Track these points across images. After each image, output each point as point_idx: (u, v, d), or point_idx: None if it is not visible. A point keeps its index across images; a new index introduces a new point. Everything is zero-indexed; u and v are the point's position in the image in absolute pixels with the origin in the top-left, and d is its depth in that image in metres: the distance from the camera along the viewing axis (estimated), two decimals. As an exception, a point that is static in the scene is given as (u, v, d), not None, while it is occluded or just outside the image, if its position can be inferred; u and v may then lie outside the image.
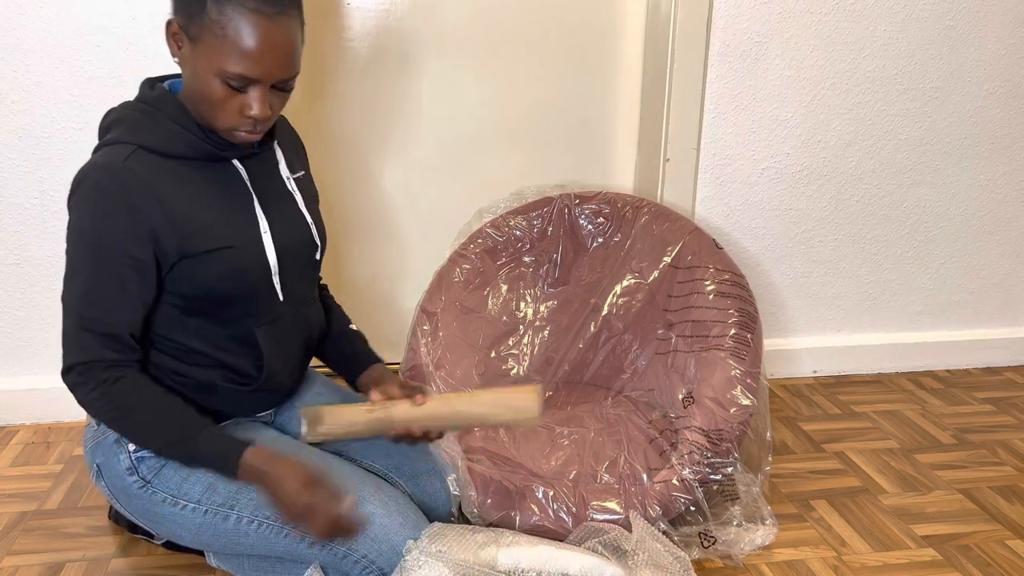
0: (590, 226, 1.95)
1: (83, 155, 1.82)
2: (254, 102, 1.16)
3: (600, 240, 1.95)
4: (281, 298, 1.31)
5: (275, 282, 1.29)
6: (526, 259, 1.96)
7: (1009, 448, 1.93)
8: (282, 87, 1.18)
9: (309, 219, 1.36)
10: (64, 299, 1.19)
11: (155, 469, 1.28)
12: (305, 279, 1.38)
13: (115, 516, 1.58)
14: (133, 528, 1.54)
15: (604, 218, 1.94)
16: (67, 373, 1.19)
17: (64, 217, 1.85)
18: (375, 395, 1.29)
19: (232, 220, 1.24)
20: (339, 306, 1.54)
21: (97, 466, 1.31)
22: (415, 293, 1.98)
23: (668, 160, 2.03)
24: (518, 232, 1.94)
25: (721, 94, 2.01)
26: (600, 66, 2.09)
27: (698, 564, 1.49)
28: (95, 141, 1.80)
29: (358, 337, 1.50)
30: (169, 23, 1.16)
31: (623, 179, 2.20)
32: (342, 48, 1.96)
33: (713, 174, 2.07)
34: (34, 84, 1.77)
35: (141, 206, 1.16)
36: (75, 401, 1.20)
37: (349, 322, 1.53)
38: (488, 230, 1.93)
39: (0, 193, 1.82)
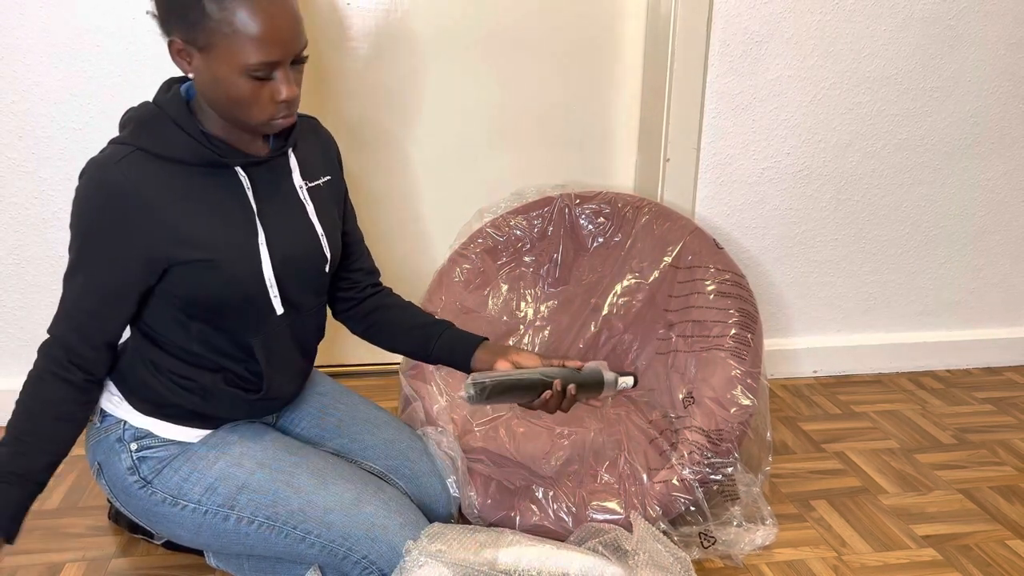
0: (590, 226, 1.95)
1: (83, 155, 1.82)
2: (281, 86, 1.13)
3: (600, 240, 1.95)
4: (280, 311, 1.28)
5: (272, 295, 1.26)
6: (526, 259, 1.96)
7: (1009, 448, 1.93)
8: (299, 60, 1.17)
9: (320, 230, 1.32)
10: (65, 282, 1.20)
11: (156, 469, 1.28)
12: (311, 291, 1.34)
13: (115, 516, 1.58)
14: (133, 528, 1.54)
15: (604, 218, 1.94)
16: (46, 344, 1.20)
17: (64, 217, 1.85)
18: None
19: (226, 229, 1.21)
20: (411, 303, 1.48)
21: (98, 464, 1.31)
22: (415, 293, 1.98)
23: (668, 160, 2.03)
24: (518, 232, 1.94)
25: (721, 94, 2.01)
26: (600, 66, 2.09)
27: (698, 564, 1.49)
28: (95, 141, 1.82)
29: (450, 326, 1.43)
30: (171, 43, 1.14)
31: (623, 179, 2.20)
32: (342, 48, 1.96)
33: (713, 174, 2.07)
34: (34, 84, 1.77)
35: (130, 206, 1.14)
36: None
37: (432, 316, 1.46)
38: (488, 230, 1.93)
39: (0, 193, 1.82)
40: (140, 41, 1.78)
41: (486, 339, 1.39)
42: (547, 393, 1.27)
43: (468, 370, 1.37)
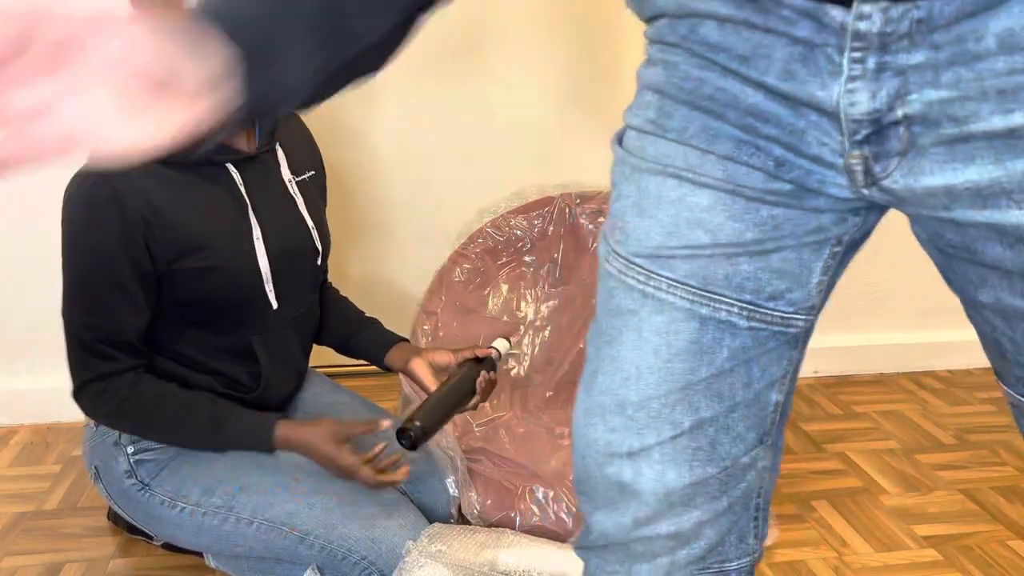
0: (591, 226, 1.95)
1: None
2: None
3: (600, 240, 1.95)
4: (275, 307, 1.28)
5: (268, 290, 1.26)
6: (527, 259, 1.96)
7: (1010, 448, 1.92)
8: None
9: (310, 223, 1.34)
10: (66, 314, 1.17)
11: (153, 472, 1.28)
12: (304, 285, 1.36)
13: (114, 516, 1.58)
14: (132, 528, 1.54)
15: (605, 218, 1.94)
16: (80, 392, 1.18)
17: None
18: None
19: (223, 228, 1.22)
20: (346, 298, 1.54)
21: (96, 468, 1.31)
22: (415, 293, 1.98)
23: (668, 160, 2.03)
24: (519, 232, 1.94)
25: (721, 94, 2.01)
26: (600, 65, 2.08)
27: (699, 564, 1.49)
28: (94, 141, 1.82)
29: (375, 323, 1.50)
30: None
31: (623, 179, 2.19)
32: (342, 48, 1.95)
33: (713, 174, 2.07)
34: (33, 84, 1.76)
35: (132, 212, 1.14)
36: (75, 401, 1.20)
37: (362, 312, 1.52)
38: (489, 230, 1.93)
39: (0, 193, 1.82)
40: (140, 41, 1.78)
41: (405, 340, 1.45)
42: (481, 380, 1.31)
43: (383, 366, 1.43)
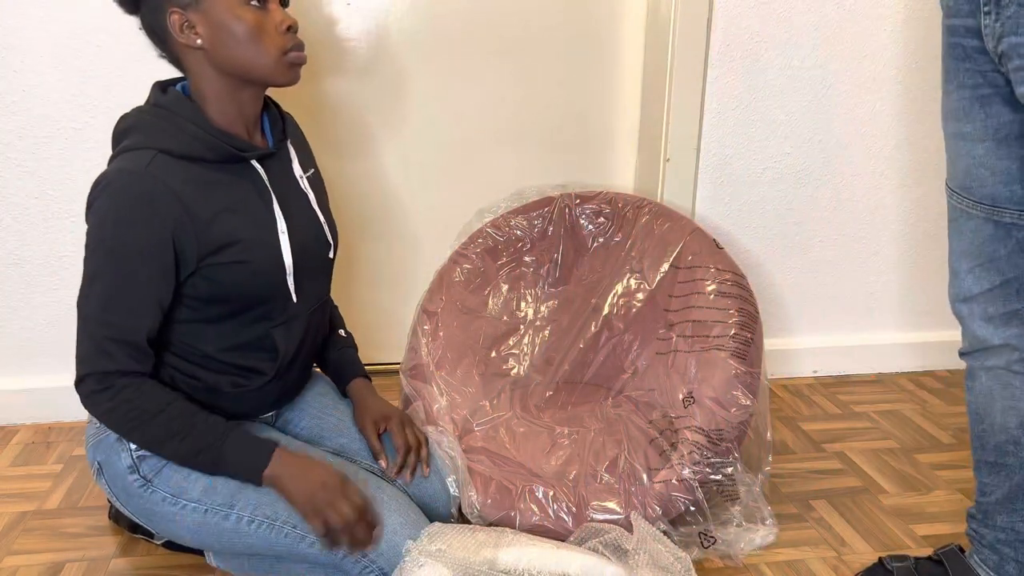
0: (591, 226, 1.95)
1: (83, 155, 1.82)
2: (278, 13, 1.20)
3: (601, 240, 1.95)
4: (295, 299, 1.31)
5: (289, 283, 1.29)
6: (527, 259, 1.96)
7: (1009, 448, 1.92)
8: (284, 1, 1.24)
9: (322, 218, 1.37)
10: (81, 306, 1.17)
11: (156, 468, 1.28)
12: (319, 279, 1.39)
13: (115, 516, 1.58)
14: (133, 528, 1.54)
15: (605, 218, 1.94)
16: (82, 382, 1.18)
17: (64, 217, 1.85)
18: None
19: (252, 222, 1.24)
20: (335, 307, 1.55)
21: (98, 464, 1.32)
22: (415, 293, 1.98)
23: (668, 160, 2.03)
24: (519, 232, 1.94)
25: (721, 94, 2.01)
26: (600, 66, 2.09)
27: (698, 564, 1.49)
28: (95, 141, 1.82)
29: (345, 342, 1.53)
30: (171, 18, 1.17)
31: (623, 179, 2.20)
32: (342, 48, 1.96)
33: (713, 174, 2.07)
34: (34, 84, 1.77)
35: (164, 211, 1.15)
36: (76, 401, 1.20)
37: (340, 326, 1.55)
38: (488, 230, 1.93)
39: (0, 193, 1.82)
40: (140, 41, 1.77)
41: (363, 376, 1.51)
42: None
43: (344, 393, 1.51)
